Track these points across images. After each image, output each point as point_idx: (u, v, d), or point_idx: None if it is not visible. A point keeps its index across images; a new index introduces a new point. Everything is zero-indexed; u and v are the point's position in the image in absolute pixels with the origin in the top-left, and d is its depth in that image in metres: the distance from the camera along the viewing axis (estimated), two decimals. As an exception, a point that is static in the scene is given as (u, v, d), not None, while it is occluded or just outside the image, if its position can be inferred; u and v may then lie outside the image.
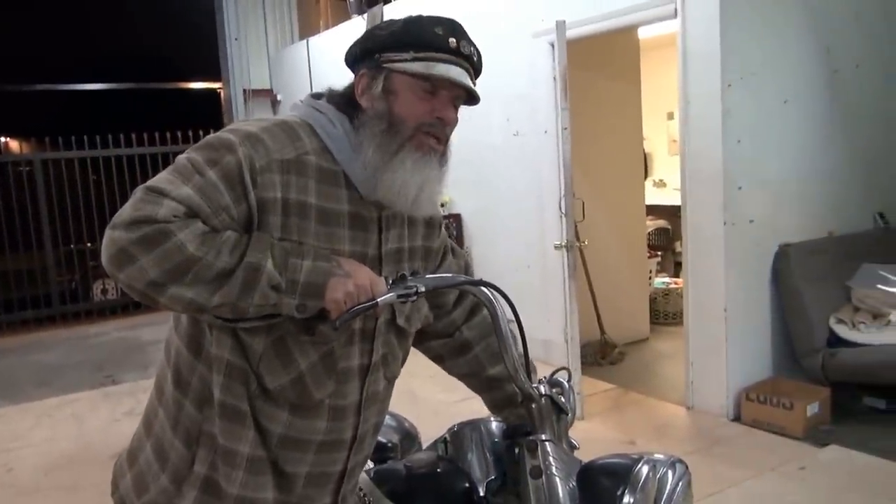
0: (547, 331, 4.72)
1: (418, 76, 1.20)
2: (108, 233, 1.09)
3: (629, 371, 4.92)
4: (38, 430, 4.49)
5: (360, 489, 1.48)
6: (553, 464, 1.21)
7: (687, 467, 1.23)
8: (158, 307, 1.13)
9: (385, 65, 1.21)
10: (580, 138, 4.30)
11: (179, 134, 7.66)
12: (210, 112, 8.38)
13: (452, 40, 1.20)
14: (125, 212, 1.09)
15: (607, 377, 4.73)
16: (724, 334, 3.89)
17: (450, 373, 1.60)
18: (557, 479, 1.19)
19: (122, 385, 5.28)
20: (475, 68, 1.26)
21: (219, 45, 7.90)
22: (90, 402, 4.96)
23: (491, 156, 5.19)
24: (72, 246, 7.52)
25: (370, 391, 1.31)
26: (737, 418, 3.90)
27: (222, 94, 8.30)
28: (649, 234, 6.46)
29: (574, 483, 1.21)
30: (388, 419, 1.70)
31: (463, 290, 1.51)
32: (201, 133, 7.74)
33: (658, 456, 1.20)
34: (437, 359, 1.59)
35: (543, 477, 1.20)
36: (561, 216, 4.09)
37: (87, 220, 7.45)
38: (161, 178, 1.13)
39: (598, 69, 5.08)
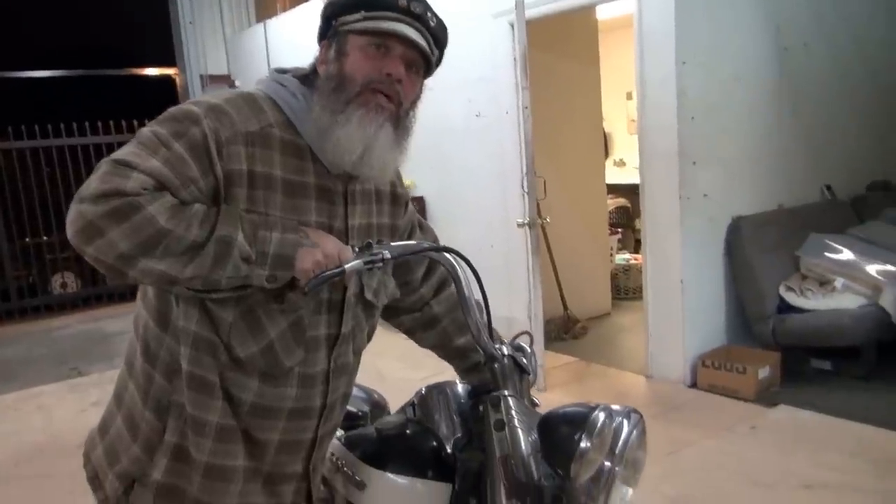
0: (511, 308, 4.82)
1: (367, 33, 1.21)
2: (74, 206, 1.07)
3: (592, 344, 5.06)
4: (4, 423, 4.44)
5: (333, 454, 1.54)
6: (515, 417, 1.29)
7: (641, 417, 1.32)
8: (125, 280, 1.12)
9: (340, 28, 1.23)
10: (541, 118, 4.38)
11: (136, 123, 7.35)
12: (166, 99, 8.17)
13: (403, 1, 1.21)
14: (92, 185, 1.07)
15: (570, 351, 4.86)
16: (680, 305, 4.05)
17: (420, 344, 1.66)
18: (519, 431, 1.27)
19: (88, 377, 5.23)
20: (431, 31, 1.25)
21: (172, 29, 7.69)
22: (56, 394, 4.90)
23: (453, 137, 5.24)
24: (27, 239, 7.33)
25: (339, 362, 1.34)
26: (693, 384, 4.07)
27: (178, 81, 8.12)
28: (610, 212, 6.60)
29: (535, 435, 1.30)
30: (358, 391, 1.75)
31: (431, 266, 1.58)
32: None
33: (614, 406, 1.28)
34: (408, 332, 1.64)
35: (506, 429, 1.27)
36: (523, 194, 4.18)
37: (43, 212, 7.25)
38: (127, 151, 1.13)
39: (558, 50, 5.17)
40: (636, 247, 6.76)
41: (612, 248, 6.22)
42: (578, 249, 5.49)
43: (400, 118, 1.26)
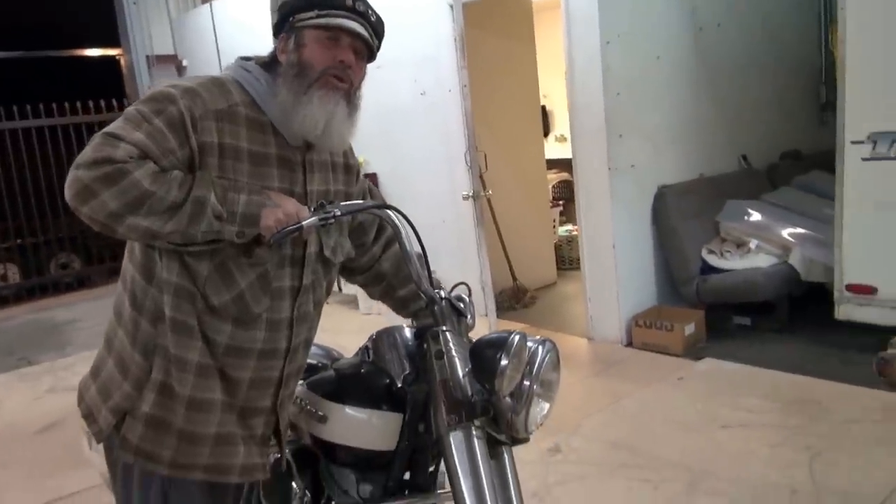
0: (464, 280, 5.05)
1: (320, 27, 1.44)
2: (72, 173, 1.28)
3: (540, 312, 5.35)
4: (-46, 415, 4.39)
5: (298, 398, 1.75)
6: (452, 348, 1.52)
7: (555, 345, 1.58)
8: (115, 236, 1.35)
9: (297, 24, 1.45)
10: (481, 96, 4.61)
11: (79, 105, 7.26)
12: (111, 81, 8.03)
13: (349, 1, 1.45)
14: (86, 154, 1.29)
15: (521, 319, 5.12)
16: (614, 270, 4.36)
17: (371, 297, 1.92)
18: (456, 359, 1.51)
19: (39, 365, 5.20)
20: (372, 25, 1.49)
21: (116, 9, 7.51)
22: (6, 384, 4.86)
23: (401, 116, 5.39)
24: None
25: (301, 311, 1.57)
26: (629, 343, 4.40)
27: (123, 62, 7.99)
28: (553, 186, 6.88)
29: (470, 364, 1.54)
30: (318, 349, 1.94)
31: (380, 229, 1.81)
32: (102, 103, 7.43)
33: (530, 336, 1.54)
34: (363, 286, 1.90)
35: (445, 358, 1.51)
36: (467, 168, 4.42)
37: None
38: (115, 126, 1.33)
39: (496, 30, 5.38)
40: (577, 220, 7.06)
41: (554, 221, 6.51)
42: (524, 222, 5.75)
43: (351, 96, 1.50)
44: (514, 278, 5.55)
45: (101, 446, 1.55)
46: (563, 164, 7.27)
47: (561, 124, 8.25)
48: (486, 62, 5.11)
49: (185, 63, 7.50)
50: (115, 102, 7.57)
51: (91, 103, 7.41)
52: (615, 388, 3.80)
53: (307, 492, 1.80)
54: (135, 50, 7.43)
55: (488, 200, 4.82)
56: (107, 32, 7.89)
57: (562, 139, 8.24)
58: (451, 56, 4.77)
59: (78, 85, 7.71)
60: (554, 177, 6.96)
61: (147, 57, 7.39)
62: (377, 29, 1.52)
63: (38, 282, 7.50)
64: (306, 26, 1.46)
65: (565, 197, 7.19)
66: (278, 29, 1.51)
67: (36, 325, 6.51)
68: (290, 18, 1.47)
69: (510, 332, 1.48)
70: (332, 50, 1.46)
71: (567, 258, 6.42)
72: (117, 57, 8.15)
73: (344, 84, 1.48)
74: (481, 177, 4.41)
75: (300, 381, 1.74)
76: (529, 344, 1.51)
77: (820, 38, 5.79)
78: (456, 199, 5.00)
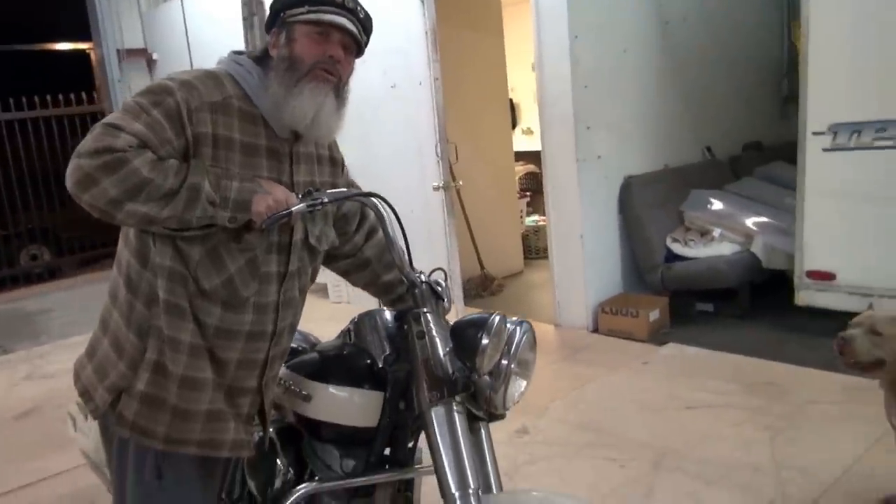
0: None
1: (311, 23, 1.50)
2: (73, 161, 1.33)
3: (507, 300, 5.46)
4: (-69, 403, 4.42)
5: (282, 379, 1.80)
6: (433, 328, 1.59)
7: (531, 326, 1.67)
8: (114, 222, 1.39)
9: (288, 20, 1.51)
10: (451, 89, 4.67)
11: (49, 98, 7.31)
12: (81, 74, 7.99)
13: None
14: (87, 143, 1.33)
15: (488, 306, 5.23)
16: (581, 258, 4.47)
17: (354, 284, 1.97)
18: (437, 339, 1.58)
19: (15, 353, 5.23)
20: (360, 21, 1.55)
21: (86, 3, 7.44)
22: None
23: (371, 108, 5.41)
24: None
25: (287, 296, 1.63)
26: (595, 329, 4.51)
27: (94, 56, 7.93)
28: (520, 178, 6.99)
29: (451, 343, 1.61)
30: (297, 334, 2.01)
31: (362, 218, 1.87)
32: (73, 97, 7.49)
33: (509, 317, 1.62)
34: (344, 274, 1.95)
35: (426, 338, 1.58)
36: (437, 160, 4.49)
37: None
38: (115, 117, 1.38)
39: (465, 24, 5.46)
40: (545, 209, 7.19)
41: (522, 211, 6.63)
42: (492, 213, 5.85)
43: (339, 90, 1.56)
44: (482, 267, 5.66)
45: (85, 427, 1.59)
46: (530, 157, 7.39)
47: (528, 117, 8.39)
48: (456, 56, 5.18)
49: (155, 57, 7.47)
50: (85, 96, 7.61)
51: (61, 97, 7.45)
52: (581, 372, 3.90)
53: (290, 469, 1.86)
54: (105, 44, 7.41)
55: (458, 191, 4.89)
56: (77, 26, 7.85)
57: (528, 132, 8.35)
58: (421, 49, 4.83)
59: (48, 79, 7.71)
60: (521, 169, 7.07)
61: (118, 51, 7.37)
62: (365, 25, 1.58)
63: (10, 273, 7.56)
64: (297, 21, 1.51)
65: (532, 188, 7.31)
66: (270, 24, 1.56)
67: (8, 314, 6.52)
68: (282, 14, 1.52)
69: (491, 313, 1.56)
70: (321, 45, 1.51)
71: (533, 248, 6.56)
72: (87, 51, 8.11)
73: (333, 78, 1.54)
74: (451, 168, 4.47)
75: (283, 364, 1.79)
76: (507, 325, 1.58)
77: (782, 33, 5.97)
78: (425, 189, 5.05)
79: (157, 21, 7.50)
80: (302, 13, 1.50)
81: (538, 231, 6.56)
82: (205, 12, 6.49)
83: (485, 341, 1.51)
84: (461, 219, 5.38)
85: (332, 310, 5.19)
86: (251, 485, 1.84)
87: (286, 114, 1.51)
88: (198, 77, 1.48)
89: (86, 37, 7.88)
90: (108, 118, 1.39)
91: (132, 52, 7.43)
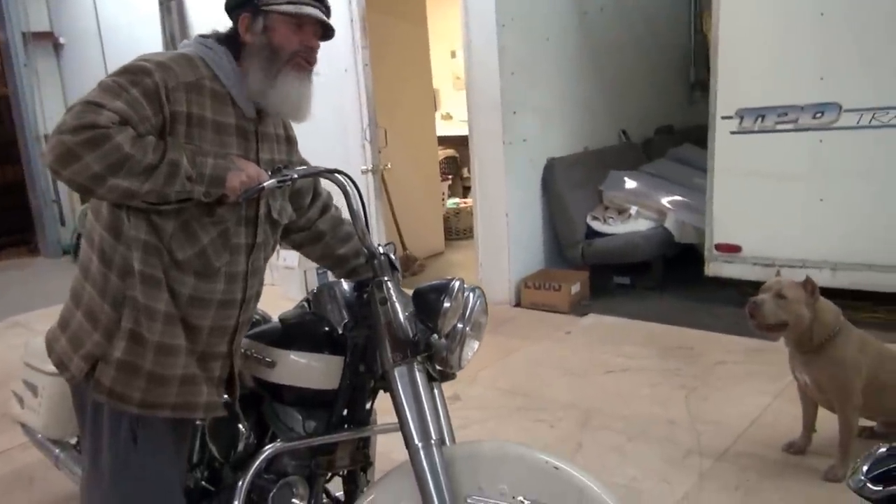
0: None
1: (290, 15, 1.59)
2: (55, 137, 1.37)
3: (428, 279, 5.47)
4: None
5: (244, 349, 1.86)
6: (394, 294, 1.72)
7: (483, 293, 1.81)
8: (94, 197, 1.45)
9: (264, 8, 1.59)
10: (376, 75, 4.75)
11: None
12: None
13: None
14: (68, 121, 1.37)
15: (410, 286, 5.32)
16: (506, 236, 4.66)
17: (309, 257, 2.07)
18: (398, 304, 1.71)
19: None
20: (327, 10, 1.67)
21: None
22: None
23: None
24: None
25: (254, 265, 1.73)
26: (518, 304, 4.73)
27: (-2, 39, 7.59)
28: (440, 162, 7.14)
29: (412, 308, 1.73)
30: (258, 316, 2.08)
31: (315, 194, 1.98)
32: None
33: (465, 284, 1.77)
34: (298, 247, 2.04)
35: (388, 304, 1.70)
36: (364, 144, 4.58)
37: None
38: (94, 95, 1.43)
39: (390, 12, 5.51)
40: (464, 193, 7.38)
41: (443, 194, 6.79)
42: (415, 195, 5.98)
43: (311, 75, 1.68)
44: (405, 248, 5.78)
45: (34, 404, 1.63)
46: (450, 141, 7.56)
47: (447, 102, 8.52)
48: (382, 42, 5.23)
49: (62, 41, 7.20)
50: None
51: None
52: (507, 343, 4.09)
53: (251, 432, 1.95)
54: (10, 27, 7.07)
55: (383, 175, 5.00)
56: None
57: (448, 117, 8.50)
58: (345, 37, 4.88)
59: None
60: (441, 153, 7.20)
61: (23, 34, 7.05)
62: (329, 12, 1.69)
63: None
64: (275, 11, 1.59)
65: (451, 172, 7.48)
66: (238, 5, 1.63)
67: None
68: (256, 1, 1.59)
69: (451, 279, 1.70)
70: (298, 35, 1.62)
71: (454, 229, 6.74)
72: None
73: (310, 66, 1.65)
74: (380, 152, 4.57)
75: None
76: (464, 291, 1.73)
77: (690, 23, 6.32)
78: (352, 173, 5.12)
79: (65, 4, 7.21)
80: (280, 4, 1.58)
81: (459, 213, 6.75)
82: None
83: (446, 304, 1.64)
84: (385, 202, 5.49)
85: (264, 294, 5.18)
86: (212, 449, 1.92)
87: (273, 101, 1.61)
88: (172, 59, 1.54)
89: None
90: (88, 96, 1.44)
91: (38, 36, 7.15)
